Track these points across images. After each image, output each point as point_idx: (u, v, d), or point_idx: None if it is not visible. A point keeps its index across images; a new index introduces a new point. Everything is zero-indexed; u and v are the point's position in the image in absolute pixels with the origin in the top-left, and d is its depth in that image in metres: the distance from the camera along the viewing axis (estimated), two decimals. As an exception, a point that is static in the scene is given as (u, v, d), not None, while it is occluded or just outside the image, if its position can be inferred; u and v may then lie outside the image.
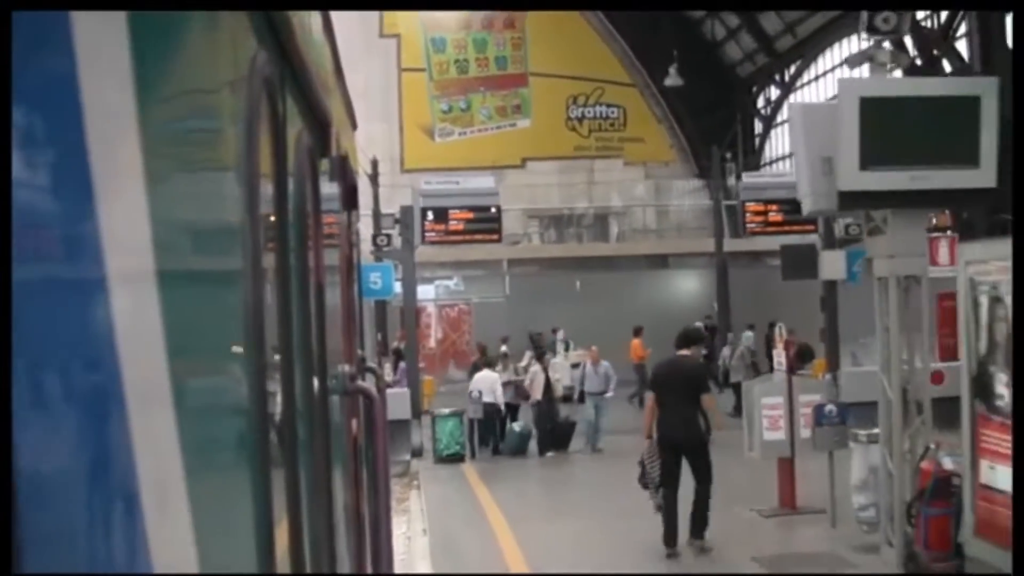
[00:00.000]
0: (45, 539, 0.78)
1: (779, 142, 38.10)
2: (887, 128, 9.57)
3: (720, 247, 30.30)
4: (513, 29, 39.88)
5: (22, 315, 0.75)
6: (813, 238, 23.49)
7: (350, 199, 4.04)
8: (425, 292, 31.24)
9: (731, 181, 34.11)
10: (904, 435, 9.94)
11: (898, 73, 12.24)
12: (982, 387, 8.54)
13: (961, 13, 26.65)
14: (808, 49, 35.78)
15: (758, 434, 12.54)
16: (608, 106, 40.28)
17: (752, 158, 38.92)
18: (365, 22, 36.90)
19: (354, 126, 4.80)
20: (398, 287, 22.01)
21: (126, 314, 0.98)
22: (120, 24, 1.00)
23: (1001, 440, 8.23)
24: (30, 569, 0.74)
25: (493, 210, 23.90)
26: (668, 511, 11.18)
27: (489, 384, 19.41)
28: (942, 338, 27.24)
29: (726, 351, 26.48)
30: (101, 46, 0.95)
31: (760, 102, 39.50)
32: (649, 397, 12.21)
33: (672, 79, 34.77)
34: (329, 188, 3.21)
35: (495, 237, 24.32)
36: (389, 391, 17.61)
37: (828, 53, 34.97)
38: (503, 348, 24.77)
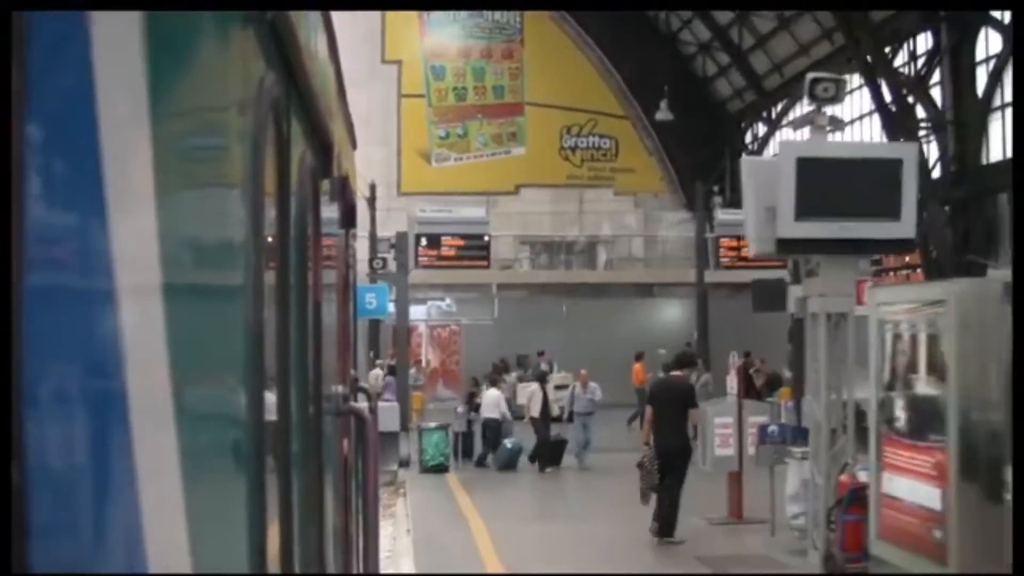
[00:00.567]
0: (51, 538, 0.81)
1: (765, 177, 39.76)
2: (820, 184, 11.18)
3: (701, 278, 31.90)
4: (511, 59, 41.62)
5: (33, 322, 0.77)
6: (783, 273, 25.07)
7: (349, 219, 4.17)
8: (417, 312, 32.81)
9: (717, 214, 35.77)
10: (829, 453, 11.52)
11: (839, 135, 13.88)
12: (885, 411, 10.12)
13: (936, 62, 28.30)
14: (794, 88, 37.42)
15: (711, 450, 14.16)
16: (601, 137, 42.02)
17: (739, 192, 40.51)
18: (368, 47, 38.61)
19: (354, 146, 4.90)
20: (392, 307, 23.58)
21: (132, 325, 1.01)
22: (135, 43, 1.04)
23: (899, 455, 9.80)
24: (37, 567, 0.76)
25: (484, 238, 25.56)
26: (659, 506, 13.11)
27: (494, 400, 21.03)
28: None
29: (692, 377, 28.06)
30: (117, 64, 0.98)
31: (748, 138, 41.23)
32: (649, 410, 13.98)
33: (662, 113, 36.45)
34: (329, 208, 3.29)
35: (484, 263, 25.97)
36: (380, 404, 19.21)
37: (813, 94, 36.67)
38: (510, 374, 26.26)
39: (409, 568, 12.68)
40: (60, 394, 0.86)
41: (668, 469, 13.26)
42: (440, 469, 20.25)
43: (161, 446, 1.13)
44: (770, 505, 13.32)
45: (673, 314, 37.02)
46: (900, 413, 9.78)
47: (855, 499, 10.71)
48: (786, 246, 11.39)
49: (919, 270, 28.95)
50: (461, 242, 24.94)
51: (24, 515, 0.75)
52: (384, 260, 23.78)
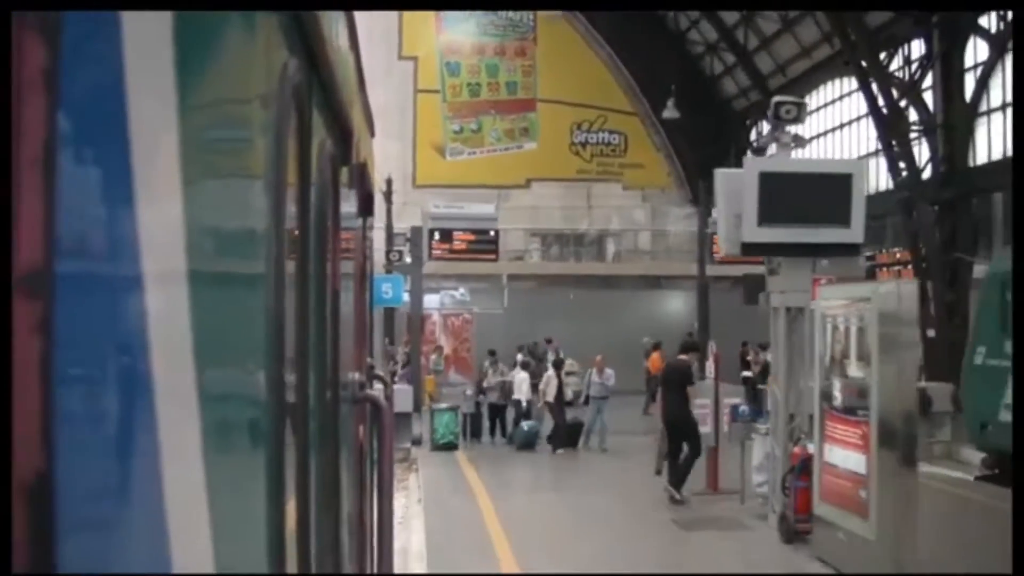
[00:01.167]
0: (77, 515, 0.83)
1: (769, 174, 41.61)
2: (780, 195, 13.03)
3: (702, 271, 33.74)
4: (524, 57, 43.48)
5: (63, 308, 0.79)
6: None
7: (367, 207, 4.23)
8: (431, 301, 34.74)
9: (713, 211, 37.59)
10: (786, 429, 13.39)
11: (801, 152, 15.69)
12: (826, 392, 11.99)
13: (928, 67, 29.97)
14: (798, 88, 39.23)
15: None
16: (610, 133, 43.89)
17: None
18: (385, 44, 40.49)
19: (372, 134, 4.94)
20: (406, 297, 25.53)
21: (158, 309, 1.05)
22: (164, 31, 1.08)
23: (836, 428, 11.65)
24: (64, 551, 0.78)
25: (492, 233, 27.51)
26: (669, 471, 15.81)
27: (517, 383, 22.96)
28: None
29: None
30: (145, 54, 1.01)
31: (753, 135, 42.99)
32: (660, 389, 16.74)
33: (669, 111, 38.21)
34: (348, 196, 3.35)
35: (493, 256, 27.91)
36: (397, 387, 21.10)
37: (816, 93, 38.49)
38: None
39: (420, 530, 14.54)
40: (90, 375, 0.89)
41: (673, 436, 15.94)
42: (450, 447, 22.14)
43: (184, 427, 1.16)
44: (741, 477, 15.21)
45: (677, 305, 38.89)
46: (837, 393, 11.65)
47: (804, 468, 12.58)
48: (749, 248, 13.27)
49: (910, 267, 30.67)
50: (471, 236, 26.99)
51: (52, 493, 0.77)
52: (400, 252, 25.75)
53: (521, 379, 23.27)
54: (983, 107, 29.01)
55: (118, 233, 0.96)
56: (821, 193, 13.16)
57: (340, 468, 2.94)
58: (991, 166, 28.44)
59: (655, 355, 30.28)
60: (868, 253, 33.89)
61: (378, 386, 4.75)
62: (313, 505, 2.22)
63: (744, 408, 15.38)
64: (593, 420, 22.50)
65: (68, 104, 0.80)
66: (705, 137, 41.59)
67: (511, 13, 42.92)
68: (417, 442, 22.93)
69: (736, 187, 13.43)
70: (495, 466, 20.24)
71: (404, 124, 41.95)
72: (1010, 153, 27.66)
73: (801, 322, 13.40)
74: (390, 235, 27.14)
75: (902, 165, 29.69)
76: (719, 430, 15.93)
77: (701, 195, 35.65)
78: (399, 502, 16.61)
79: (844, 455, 11.41)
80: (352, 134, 3.24)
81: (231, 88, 1.51)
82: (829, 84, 37.19)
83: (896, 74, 30.82)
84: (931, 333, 28.38)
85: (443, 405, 22.96)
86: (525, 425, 22.65)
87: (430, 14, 42.41)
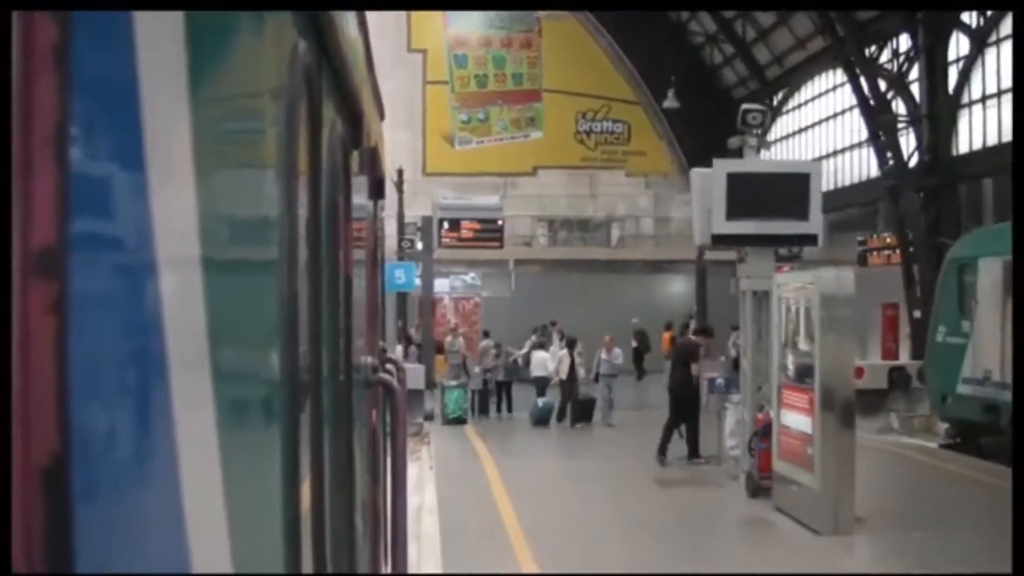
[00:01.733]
0: (92, 493, 0.84)
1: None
2: (745, 193, 14.99)
3: (701, 256, 35.63)
4: (529, 48, 45.42)
5: (80, 295, 0.80)
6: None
7: (378, 190, 4.24)
8: (441, 285, 36.77)
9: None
10: (753, 398, 15.40)
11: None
12: (782, 365, 13.98)
13: (914, 59, 31.80)
14: (794, 78, 41.22)
15: (674, 399, 18.09)
16: (614, 122, 45.84)
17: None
18: (395, 37, 42.43)
19: (382, 117, 4.94)
20: (418, 282, 27.60)
21: (172, 292, 1.06)
22: (175, 15, 1.08)
23: (790, 395, 13.65)
24: (81, 533, 0.80)
25: (498, 222, 29.59)
26: (664, 435, 17.88)
27: (541, 361, 24.93)
28: (885, 342, 32.71)
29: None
30: (155, 36, 1.01)
31: (752, 123, 44.86)
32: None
33: (670, 102, 40.18)
34: (359, 180, 3.38)
35: (498, 244, 29.96)
36: (408, 365, 23.12)
37: (810, 84, 40.39)
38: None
39: (431, 491, 16.56)
40: (103, 360, 0.90)
41: (674, 403, 18.05)
42: (459, 421, 24.18)
43: (200, 410, 1.18)
44: (717, 443, 17.25)
45: (678, 288, 40.89)
46: (790, 365, 13.67)
47: (766, 431, 14.59)
48: (719, 239, 15.25)
49: (898, 251, 32.57)
50: (478, 225, 29.10)
51: (68, 475, 0.77)
52: (412, 241, 27.81)
53: (542, 357, 25.21)
54: (965, 99, 30.85)
55: (131, 214, 0.96)
56: (782, 190, 15.13)
57: (354, 451, 2.97)
58: (973, 155, 30.33)
59: (666, 335, 32.46)
60: (860, 238, 35.90)
61: (389, 367, 4.68)
62: (328, 488, 2.24)
63: (720, 381, 17.38)
64: (604, 396, 24.15)
65: (79, 84, 0.80)
66: (706, 125, 43.27)
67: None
68: (429, 417, 24.99)
69: (708, 185, 15.40)
70: (500, 438, 22.30)
71: (414, 115, 43.89)
72: (991, 143, 29.59)
73: (766, 304, 15.38)
74: (402, 224, 29.21)
75: (889, 154, 31.59)
76: (700, 402, 17.95)
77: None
78: (412, 470, 18.67)
79: (796, 419, 13.42)
80: (362, 117, 3.28)
81: (241, 70, 1.52)
82: (824, 75, 39.02)
83: (885, 66, 32.67)
84: (917, 314, 30.37)
85: (453, 382, 25.01)
86: (540, 401, 24.41)
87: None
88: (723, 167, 15.31)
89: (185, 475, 1.10)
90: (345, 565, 2.73)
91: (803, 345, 13.23)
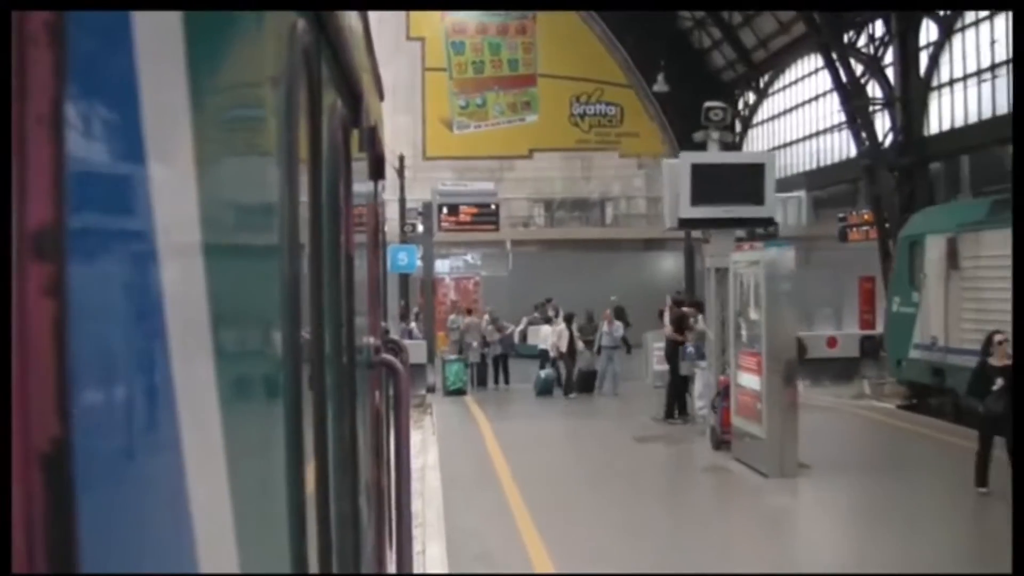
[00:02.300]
0: (94, 487, 0.84)
1: (756, 142, 45.71)
2: (708, 181, 17.20)
3: (688, 234, 37.79)
4: (524, 35, 47.54)
5: (85, 278, 0.82)
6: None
7: (378, 170, 4.32)
8: (442, 266, 39.03)
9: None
10: (717, 363, 17.64)
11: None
12: (737, 332, 16.21)
13: (888, 44, 33.87)
14: (778, 61, 43.34)
15: (651, 366, 20.33)
16: (607, 104, 48.02)
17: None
18: (394, 26, 44.54)
19: (381, 97, 4.93)
20: (420, 264, 29.83)
21: (172, 273, 1.07)
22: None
23: (744, 359, 15.87)
24: (83, 518, 0.80)
25: (493, 207, 31.88)
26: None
27: (543, 335, 27.09)
28: (862, 314, 34.95)
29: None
30: (155, 20, 1.02)
31: (740, 105, 46.99)
32: None
33: (659, 85, 42.28)
34: (359, 159, 3.42)
35: (494, 228, 32.28)
36: (411, 341, 25.34)
37: (794, 66, 42.51)
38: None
39: (434, 451, 18.80)
40: (112, 346, 0.91)
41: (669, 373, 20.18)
42: (459, 392, 26.43)
43: (202, 393, 1.18)
44: (689, 405, 19.52)
45: (669, 265, 43.11)
46: (744, 332, 15.91)
47: (726, 392, 16.83)
48: (685, 223, 17.47)
49: (875, 227, 34.70)
50: (475, 210, 31.43)
51: (69, 460, 0.77)
52: (413, 225, 30.06)
53: (545, 332, 27.35)
54: (935, 82, 32.95)
55: (130, 196, 0.96)
56: (740, 179, 17.34)
57: (357, 433, 3.00)
58: (943, 135, 32.46)
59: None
60: (841, 215, 38.10)
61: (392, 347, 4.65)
62: (332, 470, 2.28)
63: (691, 349, 19.62)
64: (605, 368, 26.05)
65: (75, 63, 0.80)
66: (696, 107, 45.26)
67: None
68: (431, 389, 27.24)
69: (677, 174, 17.61)
70: (496, 406, 24.58)
71: (413, 101, 46.06)
72: (958, 124, 31.73)
73: (726, 280, 17.60)
74: (403, 208, 31.44)
75: (864, 135, 33.72)
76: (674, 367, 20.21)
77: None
78: (416, 436, 20.91)
79: (748, 379, 15.67)
80: (362, 97, 3.27)
81: (241, 49, 1.53)
82: (807, 58, 41.09)
83: (863, 51, 34.70)
84: (893, 286, 32.62)
85: (453, 356, 27.28)
86: (542, 373, 26.38)
87: (435, -2, 46.45)
88: (688, 159, 17.53)
89: (188, 458, 1.10)
90: (350, 547, 2.76)
91: (752, 315, 15.46)
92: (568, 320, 27.18)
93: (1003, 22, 29.74)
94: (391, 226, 29.95)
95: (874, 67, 34.01)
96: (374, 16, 4.26)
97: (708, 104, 18.30)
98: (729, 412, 16.66)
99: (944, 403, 20.51)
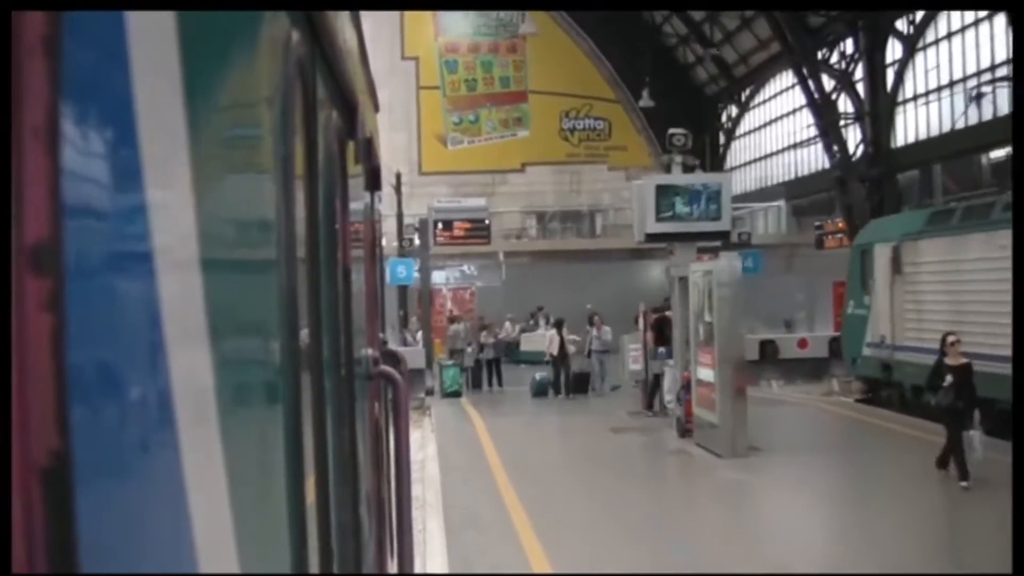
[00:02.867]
0: (93, 500, 0.85)
1: (738, 153, 48.46)
2: (670, 199, 19.82)
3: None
4: (515, 53, 50.30)
5: (80, 289, 0.82)
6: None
7: (374, 181, 4.41)
8: (438, 277, 41.66)
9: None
10: (682, 360, 20.25)
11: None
12: (696, 333, 18.82)
13: (860, 60, 36.53)
14: (759, 76, 46.08)
15: (627, 365, 22.97)
16: (596, 119, 50.84)
17: (716, 166, 49.23)
18: (389, 47, 47.27)
19: (376, 108, 4.98)
20: (417, 275, 32.49)
21: (170, 287, 1.07)
22: (167, 9, 1.09)
23: (702, 355, 18.47)
24: (83, 530, 0.80)
25: (485, 221, 34.67)
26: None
27: (538, 340, 29.57)
28: (836, 316, 37.57)
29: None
30: (148, 26, 1.02)
31: (723, 118, 49.76)
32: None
33: (644, 101, 44.99)
34: (355, 170, 3.46)
35: (485, 242, 35.04)
36: (410, 348, 27.92)
37: (773, 81, 45.23)
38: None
39: (433, 445, 21.33)
40: (109, 361, 0.92)
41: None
42: (456, 395, 28.98)
43: (201, 406, 1.19)
44: (659, 400, 22.16)
45: (656, 274, 45.60)
46: (701, 332, 18.53)
47: (688, 385, 19.44)
48: (650, 237, 20.09)
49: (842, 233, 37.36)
50: (468, 225, 34.29)
51: (69, 473, 0.78)
52: (411, 240, 32.79)
53: (539, 337, 29.86)
54: (900, 97, 35.63)
55: (126, 209, 0.97)
56: (699, 197, 19.96)
57: (357, 444, 3.07)
58: (909, 147, 35.12)
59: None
60: (818, 223, 40.72)
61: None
62: (332, 482, 2.33)
63: (662, 350, 22.23)
64: (596, 371, 28.32)
65: (70, 74, 0.80)
66: (681, 119, 47.96)
67: (502, 14, 49.66)
68: (429, 392, 29.81)
69: (643, 194, 20.25)
70: (489, 406, 27.18)
71: (408, 118, 48.82)
72: (922, 136, 34.41)
73: (686, 287, 20.20)
74: (401, 223, 34.15)
75: (836, 148, 36.41)
76: (647, 367, 22.84)
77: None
78: (416, 434, 23.43)
79: (705, 373, 18.28)
80: (357, 106, 3.32)
81: (236, 61, 1.53)
82: (785, 73, 43.77)
83: (835, 66, 37.35)
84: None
85: (449, 362, 29.88)
86: (538, 375, 28.84)
87: (428, 18, 49.16)
88: (653, 180, 20.17)
89: (188, 470, 1.11)
90: (351, 558, 2.79)
91: (707, 317, 18.08)
92: (558, 326, 29.58)
93: (960, 43, 32.50)
94: (389, 240, 32.67)
95: (845, 82, 36.72)
96: (368, 37, 4.28)
97: (671, 131, 20.89)
98: (690, 404, 19.25)
99: (892, 395, 23.11)
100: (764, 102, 46.82)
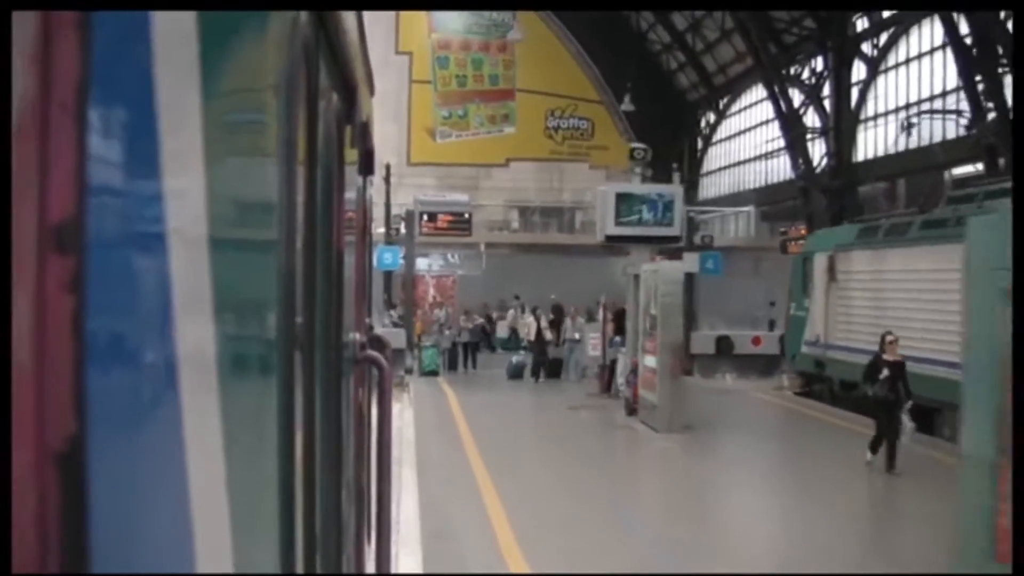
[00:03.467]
0: (109, 480, 0.87)
1: (715, 159, 51.75)
2: (628, 206, 22.99)
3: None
4: (505, 52, 53.42)
5: (99, 268, 0.83)
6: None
7: (368, 165, 4.48)
8: (422, 263, 44.70)
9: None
10: (632, 348, 23.43)
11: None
12: (644, 324, 21.98)
13: (824, 79, 39.74)
14: (736, 86, 49.29)
15: (588, 352, 26.18)
16: (580, 119, 54.04)
17: (696, 169, 52.56)
18: (383, 41, 50.23)
19: (372, 92, 5.02)
20: (402, 262, 35.58)
21: (180, 266, 1.10)
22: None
23: (647, 343, 21.63)
24: (97, 512, 0.82)
25: (466, 215, 37.86)
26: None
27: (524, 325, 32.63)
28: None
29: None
30: (166, 15, 1.04)
31: (702, 124, 53.00)
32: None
33: (626, 105, 48.11)
34: (351, 153, 3.56)
35: (468, 234, 38.29)
36: (392, 330, 31.00)
37: (749, 92, 48.45)
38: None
39: (410, 414, 24.43)
40: (122, 333, 0.94)
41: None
42: (433, 374, 32.08)
43: (204, 387, 1.24)
44: (613, 383, 25.39)
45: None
46: (647, 324, 21.72)
47: (635, 370, 22.61)
48: (609, 239, 23.27)
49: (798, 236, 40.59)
50: (451, 218, 37.53)
51: (84, 456, 0.79)
52: (398, 229, 35.94)
53: (526, 322, 32.79)
54: (863, 115, 38.88)
55: (143, 188, 0.99)
56: (654, 205, 23.14)
57: (342, 429, 3.12)
58: (869, 162, 38.35)
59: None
60: (782, 228, 43.94)
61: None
62: (318, 465, 2.42)
63: (617, 339, 25.40)
64: (568, 358, 31.13)
65: (96, 47, 0.81)
66: (663, 123, 51.43)
67: (494, 14, 52.77)
68: (409, 371, 32.88)
69: (605, 199, 23.41)
70: (463, 384, 30.38)
71: (400, 110, 51.85)
72: (880, 153, 37.66)
73: (638, 284, 23.36)
74: (388, 213, 37.25)
75: (800, 160, 39.64)
76: (606, 354, 26.04)
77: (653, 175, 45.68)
78: (396, 406, 26.51)
79: (650, 359, 21.46)
80: (356, 90, 3.39)
81: (247, 45, 1.58)
82: (759, 85, 46.97)
83: (806, 81, 40.53)
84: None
85: (428, 343, 33.04)
86: (514, 359, 32.00)
87: (423, 15, 52.23)
88: (613, 188, 23.36)
89: (191, 452, 1.14)
90: (333, 543, 2.87)
91: (652, 310, 21.27)
92: (534, 313, 32.71)
93: (916, 69, 35.78)
94: (377, 227, 35.68)
95: (814, 96, 39.91)
96: (365, 29, 4.25)
97: (633, 145, 24.12)
98: (637, 388, 22.42)
99: (823, 389, 26.37)
100: (740, 111, 50.03)
